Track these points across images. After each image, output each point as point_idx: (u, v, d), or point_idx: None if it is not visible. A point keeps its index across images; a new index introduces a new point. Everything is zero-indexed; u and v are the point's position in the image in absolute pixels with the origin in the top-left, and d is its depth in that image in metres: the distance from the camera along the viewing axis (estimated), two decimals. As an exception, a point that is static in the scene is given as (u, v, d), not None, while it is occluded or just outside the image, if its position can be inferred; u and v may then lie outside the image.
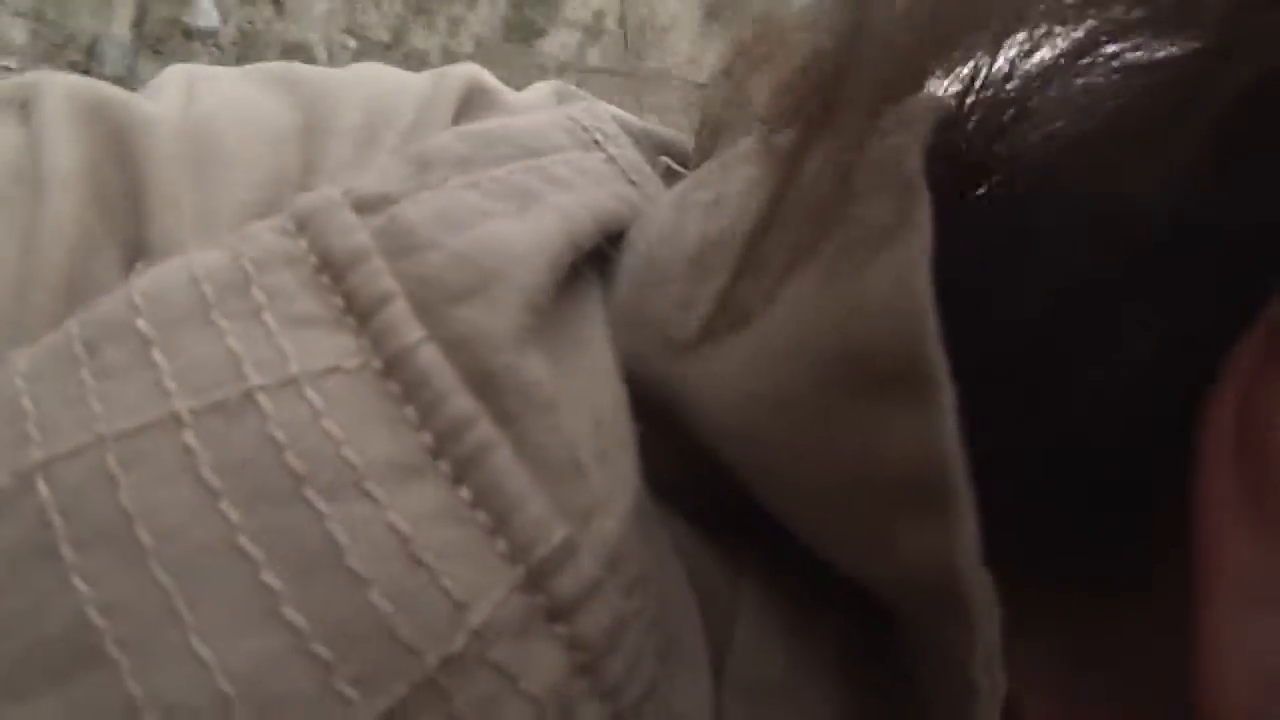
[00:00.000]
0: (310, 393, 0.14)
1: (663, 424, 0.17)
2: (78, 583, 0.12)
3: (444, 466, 0.14)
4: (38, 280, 0.18)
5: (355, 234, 0.16)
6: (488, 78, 0.24)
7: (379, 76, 0.24)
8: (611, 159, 0.21)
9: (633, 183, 0.20)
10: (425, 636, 0.13)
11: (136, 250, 0.19)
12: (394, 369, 0.15)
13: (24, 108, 0.21)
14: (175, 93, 0.22)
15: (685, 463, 0.17)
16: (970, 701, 0.15)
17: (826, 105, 0.15)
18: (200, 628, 0.12)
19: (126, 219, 0.19)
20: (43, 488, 0.13)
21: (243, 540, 0.13)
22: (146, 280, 0.16)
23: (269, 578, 0.13)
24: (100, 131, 0.20)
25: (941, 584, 0.14)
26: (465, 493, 0.14)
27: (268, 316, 0.15)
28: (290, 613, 0.13)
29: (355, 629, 0.13)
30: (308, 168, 0.21)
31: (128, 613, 0.12)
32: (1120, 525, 0.16)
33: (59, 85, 0.21)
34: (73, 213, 0.19)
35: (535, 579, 0.13)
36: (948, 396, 0.13)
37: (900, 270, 0.14)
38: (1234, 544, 0.14)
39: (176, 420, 0.14)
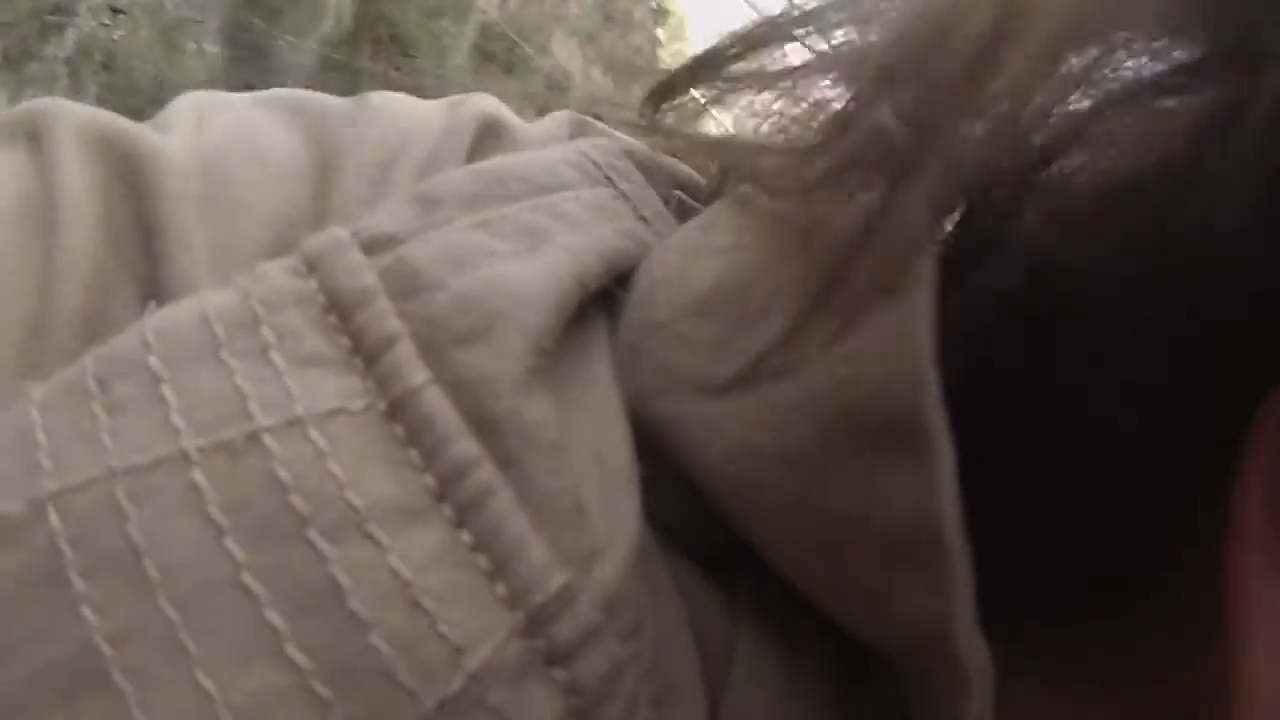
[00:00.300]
0: (315, 434, 0.14)
1: (661, 464, 0.17)
2: (86, 611, 0.13)
3: (446, 510, 0.14)
4: (55, 318, 0.18)
5: (363, 274, 0.16)
6: (503, 110, 0.23)
7: (393, 108, 0.23)
8: (622, 194, 0.20)
9: (643, 219, 0.20)
10: (423, 679, 0.13)
11: (151, 288, 0.19)
12: (398, 411, 0.15)
13: (33, 138, 0.21)
14: (185, 124, 0.22)
15: (684, 502, 0.17)
16: None
17: (892, 178, 0.15)
18: (205, 661, 0.13)
19: (141, 257, 0.19)
20: (54, 517, 0.13)
21: (246, 578, 0.13)
22: (158, 318, 0.16)
23: (272, 616, 0.13)
24: (112, 165, 0.20)
25: (936, 643, 0.14)
26: (466, 536, 0.14)
27: (275, 356, 0.15)
28: (292, 651, 0.13)
29: (355, 670, 0.13)
30: (320, 204, 0.21)
31: (134, 643, 0.13)
32: (1107, 564, 0.17)
33: (70, 115, 0.21)
34: (87, 249, 0.19)
35: (534, 624, 0.13)
36: (946, 456, 0.13)
37: (902, 328, 0.14)
38: (1269, 597, 0.14)
39: (185, 457, 0.14)
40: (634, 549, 0.15)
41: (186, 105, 0.22)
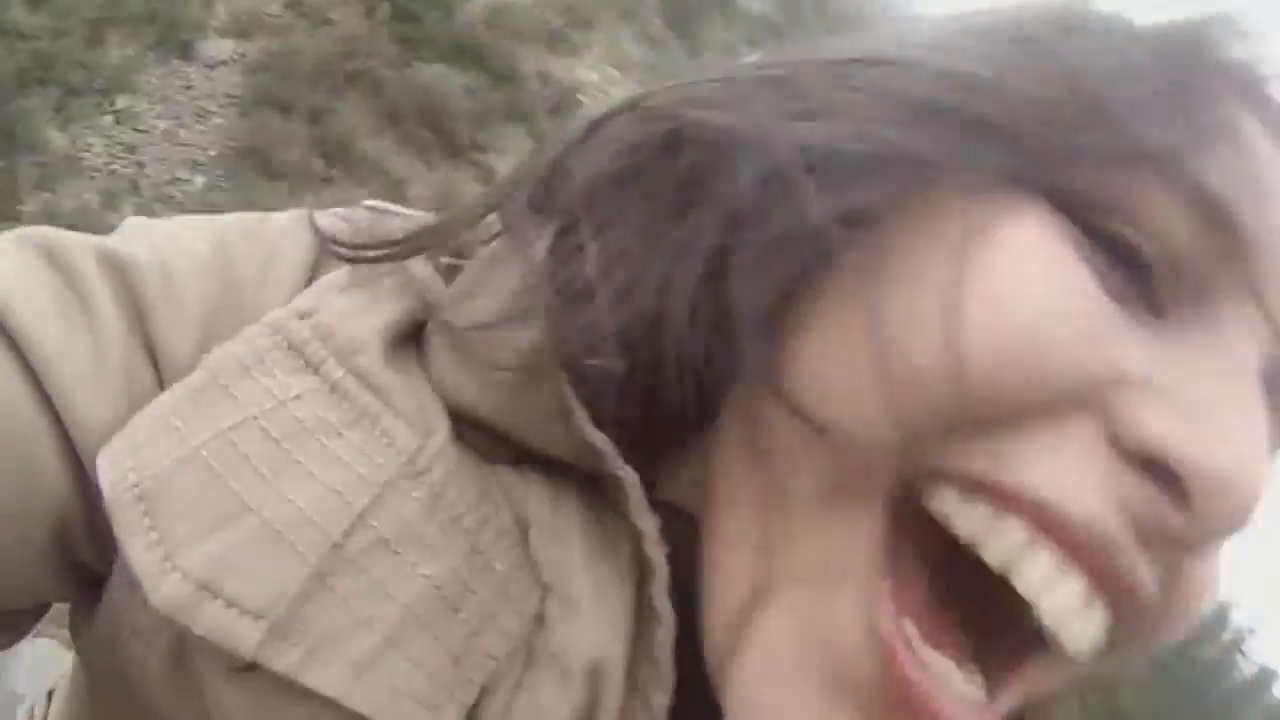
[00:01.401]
0: (288, 403, 0.32)
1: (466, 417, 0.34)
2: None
3: (363, 420, 0.32)
4: (108, 359, 0.34)
5: (304, 330, 0.34)
6: (337, 225, 0.39)
7: (260, 219, 0.40)
8: (410, 276, 0.37)
9: (423, 282, 0.37)
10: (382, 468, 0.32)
11: (151, 353, 0.35)
12: (335, 388, 0.33)
13: (50, 254, 0.35)
14: (138, 238, 0.37)
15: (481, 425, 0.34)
16: (650, 575, 0.32)
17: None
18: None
19: (140, 328, 0.35)
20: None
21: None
22: (216, 355, 0.34)
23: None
24: (113, 274, 0.35)
25: (588, 447, 0.32)
26: (373, 429, 0.32)
27: (270, 367, 0.33)
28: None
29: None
30: (231, 287, 0.36)
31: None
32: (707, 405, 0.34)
33: (74, 238, 0.36)
34: (117, 327, 0.34)
35: (410, 460, 0.32)
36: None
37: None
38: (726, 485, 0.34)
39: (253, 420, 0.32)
40: (448, 432, 0.33)
41: (134, 223, 0.39)
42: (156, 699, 0.32)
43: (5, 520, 0.32)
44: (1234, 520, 0.28)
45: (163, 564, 0.29)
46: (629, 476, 0.32)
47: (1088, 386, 0.29)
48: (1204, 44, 0.32)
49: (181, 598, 0.29)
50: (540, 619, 0.32)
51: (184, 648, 0.31)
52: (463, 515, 0.32)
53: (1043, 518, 0.28)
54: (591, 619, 0.32)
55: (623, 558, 0.33)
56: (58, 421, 0.32)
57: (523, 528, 0.33)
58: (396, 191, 8.86)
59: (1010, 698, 0.31)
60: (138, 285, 0.35)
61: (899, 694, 0.28)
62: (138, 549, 0.30)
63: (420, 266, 0.37)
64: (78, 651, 0.38)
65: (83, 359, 0.33)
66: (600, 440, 0.32)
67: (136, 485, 0.30)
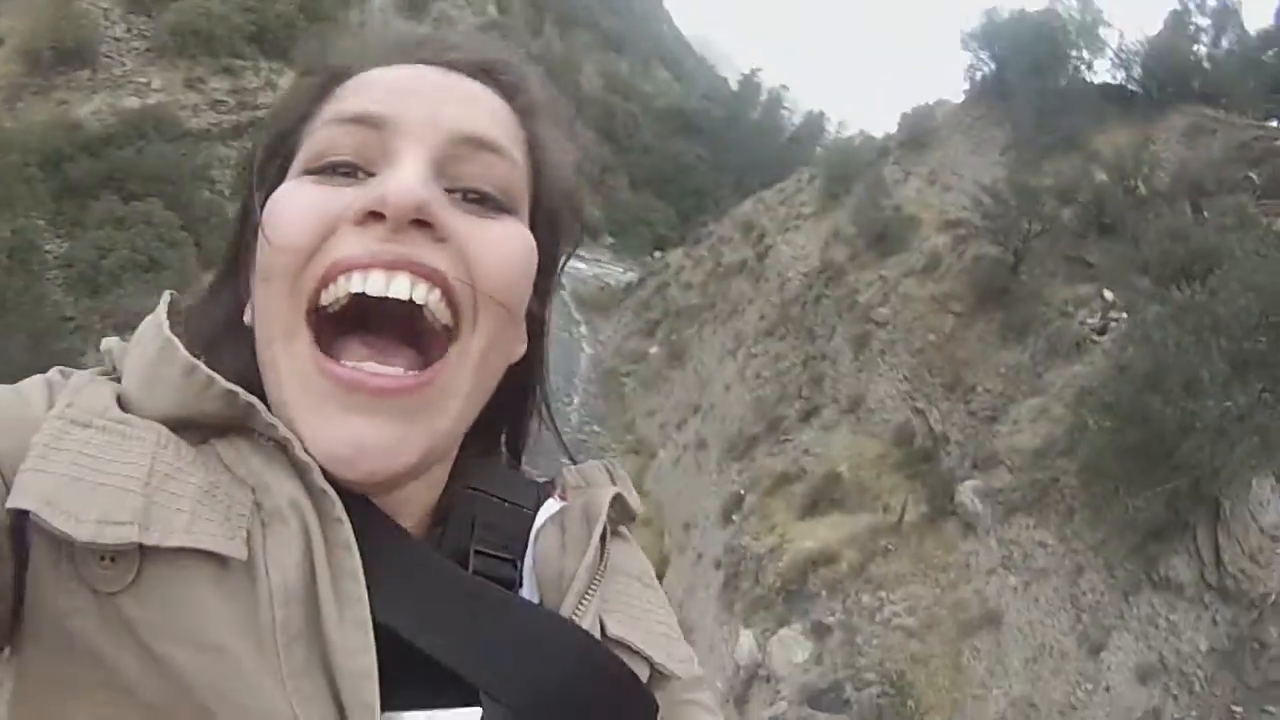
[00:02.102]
0: (88, 444, 0.61)
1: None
2: None
3: (127, 437, 0.62)
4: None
5: (73, 412, 0.63)
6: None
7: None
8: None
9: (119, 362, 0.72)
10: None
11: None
12: (104, 429, 0.62)
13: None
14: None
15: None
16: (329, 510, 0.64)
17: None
18: None
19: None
20: None
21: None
22: (35, 439, 0.60)
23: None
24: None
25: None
26: (132, 437, 0.62)
27: (66, 433, 0.61)
28: None
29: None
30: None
31: None
32: None
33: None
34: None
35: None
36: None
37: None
38: None
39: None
40: (166, 429, 0.64)
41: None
42: (100, 651, 0.57)
43: None
44: (399, 203, 0.64)
45: (75, 524, 0.56)
46: (251, 399, 0.65)
47: (334, 216, 0.66)
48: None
49: (92, 532, 0.56)
50: (258, 504, 0.63)
51: (101, 601, 0.57)
52: (195, 460, 0.63)
53: (348, 265, 0.65)
54: (276, 486, 0.63)
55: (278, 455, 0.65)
56: None
57: (223, 464, 0.65)
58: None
59: (435, 370, 0.67)
60: None
61: (336, 384, 0.64)
62: (60, 523, 0.56)
63: (100, 377, 0.70)
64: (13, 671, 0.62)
65: None
66: (232, 386, 0.65)
67: (42, 497, 0.57)
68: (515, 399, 0.83)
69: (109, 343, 0.73)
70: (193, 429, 0.65)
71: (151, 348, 0.67)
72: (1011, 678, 12.37)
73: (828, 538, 15.44)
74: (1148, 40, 24.11)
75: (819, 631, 13.97)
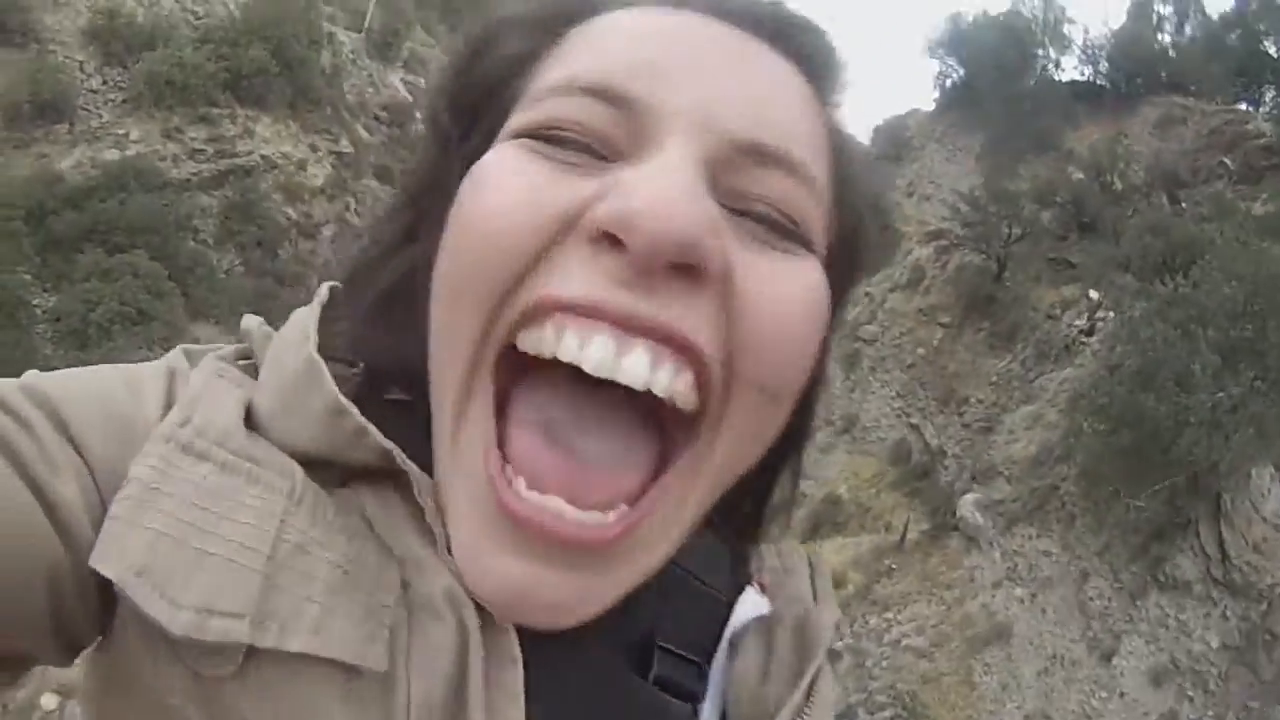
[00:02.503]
0: (199, 484, 0.47)
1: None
2: None
3: (253, 481, 0.47)
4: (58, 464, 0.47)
5: (187, 434, 0.48)
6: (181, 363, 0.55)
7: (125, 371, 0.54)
8: (235, 374, 0.53)
9: (241, 378, 0.53)
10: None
11: (74, 444, 0.48)
12: (224, 466, 0.47)
13: None
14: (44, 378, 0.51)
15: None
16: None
17: None
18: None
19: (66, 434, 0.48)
20: None
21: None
22: (136, 469, 0.47)
23: None
24: (37, 398, 0.49)
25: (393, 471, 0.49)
26: (259, 482, 0.48)
27: (176, 466, 0.47)
28: None
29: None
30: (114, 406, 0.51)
31: None
32: None
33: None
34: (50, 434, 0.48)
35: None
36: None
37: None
38: None
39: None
40: (302, 472, 0.48)
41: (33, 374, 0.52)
42: None
43: (10, 575, 0.44)
44: (654, 238, 0.43)
45: (170, 609, 0.43)
46: (411, 469, 0.49)
47: (566, 214, 0.45)
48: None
49: (190, 623, 0.43)
50: (405, 584, 0.48)
51: (203, 685, 0.45)
52: (333, 521, 0.48)
53: (566, 308, 0.45)
54: (432, 568, 0.48)
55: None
56: (43, 501, 0.45)
57: (369, 525, 0.49)
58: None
59: (653, 501, 0.47)
60: (58, 406, 0.49)
61: (511, 519, 0.45)
62: (152, 606, 0.43)
63: (231, 369, 0.54)
64: (93, 708, 0.51)
65: (36, 457, 0.46)
66: (389, 444, 0.48)
67: (132, 567, 0.44)
68: (758, 474, 0.57)
69: (250, 322, 0.58)
70: (334, 467, 0.50)
71: (294, 362, 0.51)
72: (1024, 691, 12.21)
73: (831, 561, 15.28)
74: (1112, 33, 24.28)
75: (828, 657, 13.76)
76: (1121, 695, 11.66)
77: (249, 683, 0.44)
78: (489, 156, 0.50)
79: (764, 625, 0.60)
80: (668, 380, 0.45)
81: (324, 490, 0.49)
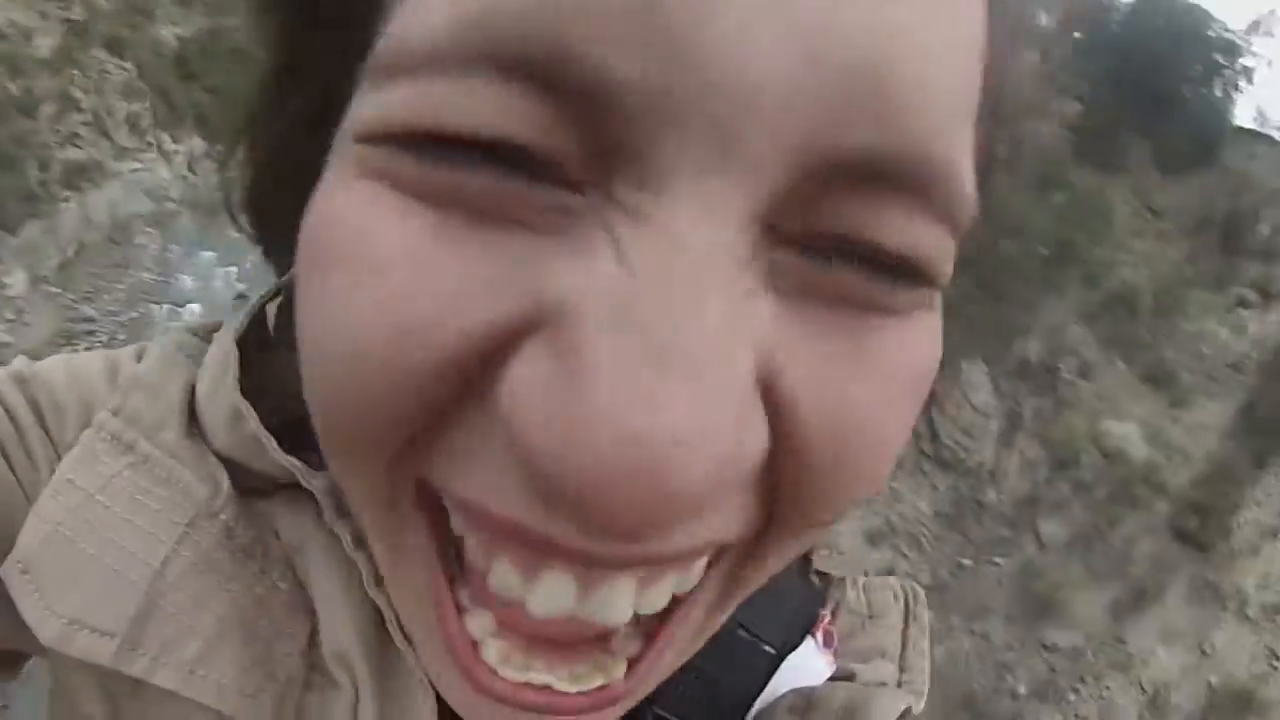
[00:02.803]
0: (112, 479, 0.39)
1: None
2: None
3: (170, 482, 0.40)
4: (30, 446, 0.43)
5: (117, 423, 0.40)
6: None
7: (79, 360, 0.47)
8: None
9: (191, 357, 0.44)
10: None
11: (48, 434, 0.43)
12: (145, 459, 0.40)
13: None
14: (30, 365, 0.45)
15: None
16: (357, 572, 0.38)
17: None
18: None
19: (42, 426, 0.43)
20: None
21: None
22: (64, 461, 0.40)
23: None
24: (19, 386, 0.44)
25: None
26: (176, 485, 0.40)
27: (99, 456, 0.40)
28: None
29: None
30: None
31: None
32: None
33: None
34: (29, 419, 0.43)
35: (211, 505, 0.39)
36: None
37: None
38: None
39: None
40: (229, 483, 0.40)
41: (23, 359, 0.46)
42: None
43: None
44: (620, 519, 0.22)
45: (44, 612, 0.37)
46: (318, 487, 0.38)
47: (458, 365, 0.24)
48: None
49: (57, 635, 0.36)
50: (315, 633, 0.39)
51: (106, 690, 0.40)
52: (250, 545, 0.39)
53: (492, 526, 0.26)
54: (332, 618, 0.38)
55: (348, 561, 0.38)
56: (24, 493, 0.41)
57: (291, 552, 0.40)
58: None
59: (669, 633, 0.30)
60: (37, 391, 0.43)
61: (491, 697, 0.28)
62: (28, 609, 0.37)
63: (195, 343, 0.46)
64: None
65: (17, 445, 0.42)
66: (286, 460, 0.38)
67: (21, 562, 0.38)
68: None
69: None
70: (240, 470, 0.41)
71: (224, 344, 0.42)
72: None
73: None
74: None
75: None
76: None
77: (147, 699, 0.39)
78: (346, 210, 0.26)
79: (803, 701, 0.43)
80: (666, 595, 0.29)
81: (249, 501, 0.40)
